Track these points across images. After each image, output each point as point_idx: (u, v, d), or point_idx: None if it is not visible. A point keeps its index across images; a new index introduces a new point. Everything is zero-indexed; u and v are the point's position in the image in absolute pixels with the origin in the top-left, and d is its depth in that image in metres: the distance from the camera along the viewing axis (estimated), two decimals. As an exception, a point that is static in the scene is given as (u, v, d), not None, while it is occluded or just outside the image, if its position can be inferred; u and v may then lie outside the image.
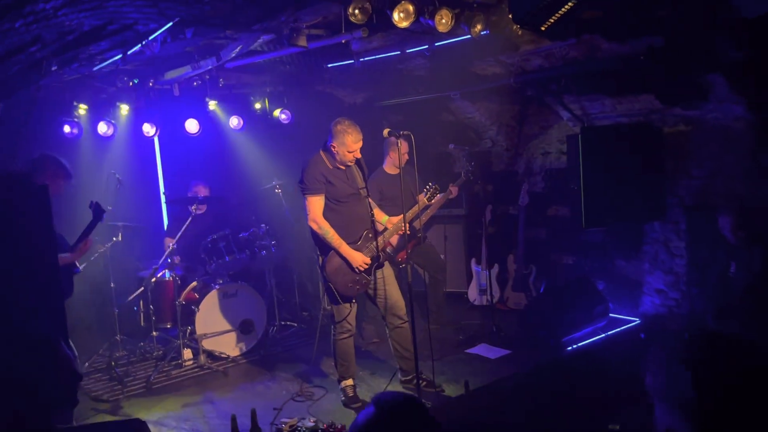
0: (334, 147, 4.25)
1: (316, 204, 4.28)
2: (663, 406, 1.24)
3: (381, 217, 4.60)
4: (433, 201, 5.03)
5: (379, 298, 4.53)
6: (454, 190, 5.78)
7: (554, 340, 5.39)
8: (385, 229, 4.56)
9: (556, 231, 7.05)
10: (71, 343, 3.59)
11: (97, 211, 4.23)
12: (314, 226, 4.29)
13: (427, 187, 4.89)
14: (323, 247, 4.37)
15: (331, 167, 4.32)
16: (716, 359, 1.22)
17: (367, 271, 4.39)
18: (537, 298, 6.44)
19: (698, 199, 5.47)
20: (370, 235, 4.43)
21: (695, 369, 1.20)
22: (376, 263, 4.44)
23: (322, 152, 4.36)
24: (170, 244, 5.67)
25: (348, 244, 4.31)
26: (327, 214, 4.31)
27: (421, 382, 4.39)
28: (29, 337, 2.07)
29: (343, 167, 4.36)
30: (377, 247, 4.42)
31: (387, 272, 4.55)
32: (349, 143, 4.21)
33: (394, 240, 5.25)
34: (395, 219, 4.55)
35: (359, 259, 4.31)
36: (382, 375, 5.07)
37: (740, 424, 1.16)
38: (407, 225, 4.38)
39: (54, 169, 4.11)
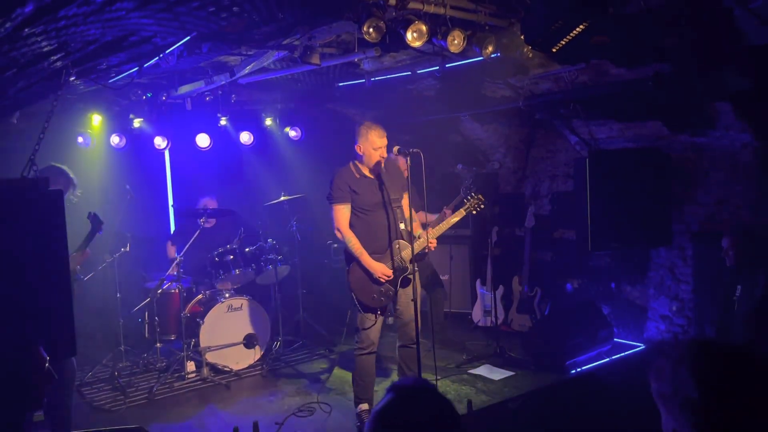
0: (359, 148, 4.32)
1: (341, 213, 4.32)
2: (668, 409, 1.28)
3: (417, 230, 4.47)
4: (465, 213, 4.80)
5: (399, 314, 4.51)
6: (447, 212, 5.52)
7: (558, 363, 5.38)
8: (418, 237, 4.41)
9: (561, 254, 7.05)
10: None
11: (95, 222, 4.29)
12: (339, 235, 4.34)
13: (470, 197, 4.78)
14: (349, 256, 4.38)
15: (357, 176, 4.36)
16: (718, 363, 1.26)
17: (392, 283, 4.34)
18: (541, 321, 6.43)
19: (705, 226, 5.48)
20: (397, 246, 4.39)
21: (698, 372, 1.23)
22: (402, 275, 4.37)
23: (351, 163, 4.43)
24: (173, 251, 5.70)
25: (371, 254, 4.30)
26: (352, 222, 4.35)
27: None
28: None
29: (371, 176, 4.38)
30: (401, 258, 4.35)
31: (413, 293, 4.42)
32: (373, 139, 4.26)
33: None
34: (431, 231, 4.48)
35: (379, 269, 4.27)
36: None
37: (742, 425, 1.18)
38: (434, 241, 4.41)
39: (58, 179, 4.17)
